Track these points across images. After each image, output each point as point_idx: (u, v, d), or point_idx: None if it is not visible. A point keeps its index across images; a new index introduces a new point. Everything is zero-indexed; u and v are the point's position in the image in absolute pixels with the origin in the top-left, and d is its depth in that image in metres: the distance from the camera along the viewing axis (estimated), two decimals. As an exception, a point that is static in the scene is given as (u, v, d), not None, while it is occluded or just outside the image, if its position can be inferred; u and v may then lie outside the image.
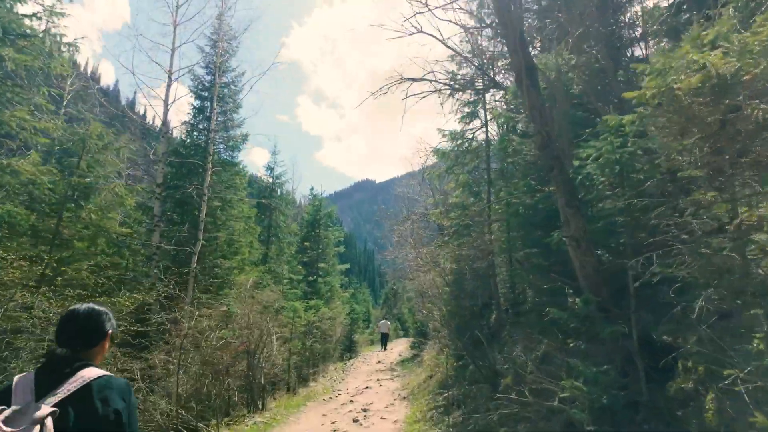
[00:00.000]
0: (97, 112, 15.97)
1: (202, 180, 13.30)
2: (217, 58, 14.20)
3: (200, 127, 15.70)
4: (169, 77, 13.54)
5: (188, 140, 15.29)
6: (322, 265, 18.98)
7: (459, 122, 10.63)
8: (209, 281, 14.01)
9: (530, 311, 8.30)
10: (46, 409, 1.26)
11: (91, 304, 1.63)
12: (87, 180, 7.19)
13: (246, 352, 9.00)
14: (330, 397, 10.92)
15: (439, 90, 7.94)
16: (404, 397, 9.99)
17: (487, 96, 9.78)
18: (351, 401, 10.03)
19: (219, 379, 8.33)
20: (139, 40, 23.31)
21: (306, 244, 19.20)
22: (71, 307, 1.61)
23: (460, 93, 9.27)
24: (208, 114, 14.44)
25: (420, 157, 22.66)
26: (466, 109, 10.35)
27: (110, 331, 1.63)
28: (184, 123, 15.09)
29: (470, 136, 10.15)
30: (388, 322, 25.50)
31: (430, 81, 7.38)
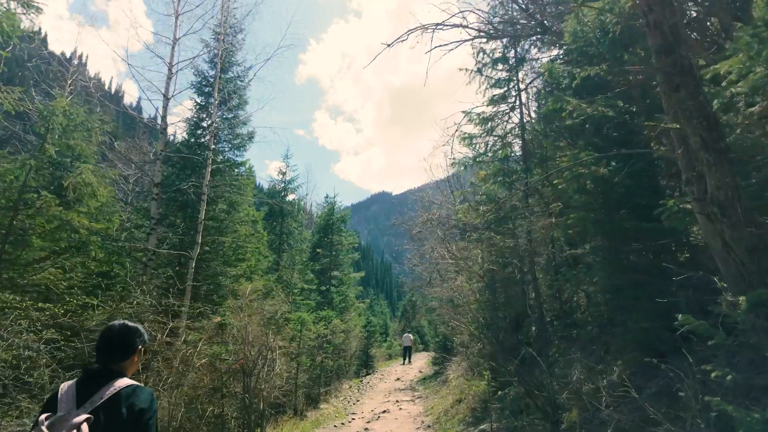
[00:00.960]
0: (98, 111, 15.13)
1: (203, 179, 12.21)
2: (220, 43, 13.18)
3: (203, 125, 14.71)
4: (170, 70, 12.57)
5: (191, 139, 14.29)
6: (335, 273, 17.63)
7: (488, 105, 9.24)
8: (210, 290, 12.84)
9: (586, 323, 6.72)
10: (82, 416, 1.51)
11: (124, 321, 1.87)
12: (51, 165, 6.03)
13: (242, 371, 7.65)
14: (342, 423, 9.44)
15: (472, 39, 6.58)
16: (429, 426, 8.44)
17: (523, 70, 8.35)
18: (366, 429, 8.53)
19: (207, 402, 7.00)
20: (139, 32, 22.68)
21: (318, 251, 17.89)
22: (108, 324, 1.86)
23: (492, 67, 7.87)
24: (211, 110, 13.41)
25: (443, 144, 21.25)
26: (496, 90, 8.95)
27: (140, 347, 1.87)
28: (186, 120, 14.09)
29: (502, 118, 8.72)
30: (411, 335, 25.13)
31: (461, 27, 6.03)
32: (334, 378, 14.42)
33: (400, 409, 10.57)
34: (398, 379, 18.60)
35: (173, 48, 12.54)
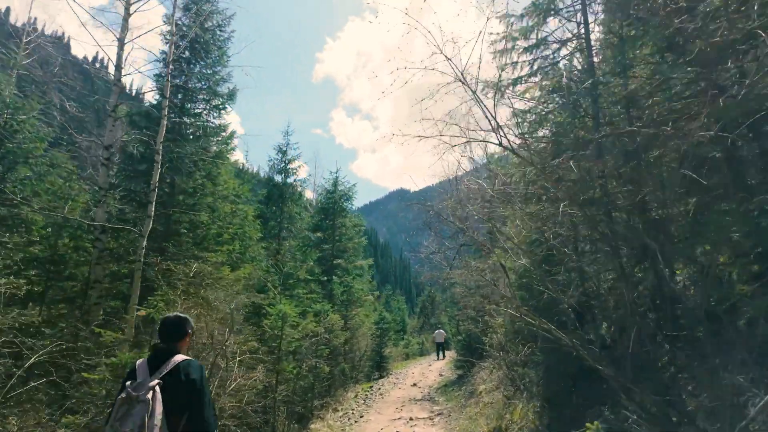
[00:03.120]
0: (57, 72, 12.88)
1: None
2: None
3: (176, 82, 12.34)
4: (127, 7, 10.14)
5: (158, 98, 11.93)
6: (338, 261, 15.04)
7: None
8: (181, 278, 10.42)
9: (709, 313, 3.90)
10: (154, 381, 2.19)
11: (177, 314, 2.57)
12: None
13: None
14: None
15: None
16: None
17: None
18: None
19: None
20: None
21: (318, 234, 15.30)
22: (164, 315, 2.61)
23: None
24: (174, 57, 10.95)
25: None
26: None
27: (189, 331, 2.55)
28: (154, 77, 11.73)
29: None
30: (443, 331, 25.09)
31: None
32: (335, 385, 11.84)
33: (415, 431, 7.89)
34: (415, 384, 15.90)
35: (128, -20, 10.14)
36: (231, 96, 12.57)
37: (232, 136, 12.34)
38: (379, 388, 15.31)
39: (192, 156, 11.55)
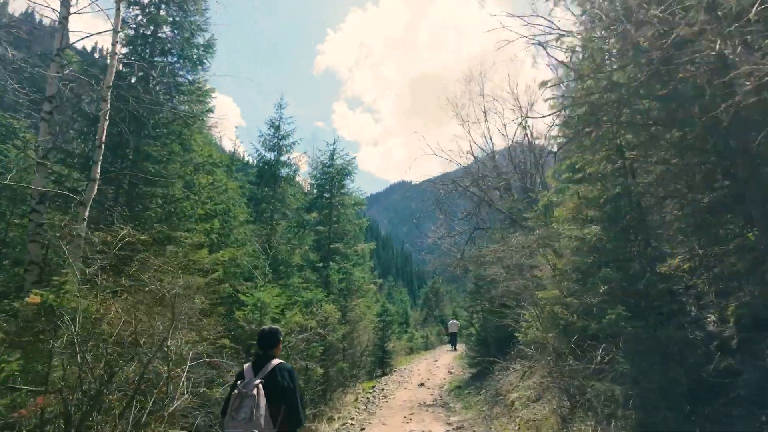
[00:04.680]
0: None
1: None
2: None
3: (142, 31, 10.47)
4: (72, -72, 8.17)
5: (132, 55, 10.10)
6: (337, 245, 13.18)
7: None
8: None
9: None
10: (258, 380, 2.80)
11: (271, 326, 3.26)
12: None
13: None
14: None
15: None
16: None
17: None
18: None
19: None
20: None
21: (313, 215, 13.40)
22: (261, 328, 3.25)
23: None
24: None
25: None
26: None
27: (281, 338, 3.22)
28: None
29: None
30: (456, 322, 24.88)
31: None
32: (331, 388, 10.04)
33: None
34: (423, 384, 14.13)
35: None
36: (208, 48, 10.64)
37: (207, 93, 10.40)
38: (383, 389, 13.55)
39: (159, 115, 9.70)
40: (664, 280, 3.80)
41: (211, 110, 11.22)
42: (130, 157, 9.34)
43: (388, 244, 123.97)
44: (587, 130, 3.91)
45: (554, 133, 6.82)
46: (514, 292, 6.31)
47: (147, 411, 3.92)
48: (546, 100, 5.53)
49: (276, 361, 2.96)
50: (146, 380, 4.12)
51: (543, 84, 4.69)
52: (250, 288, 8.63)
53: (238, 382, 2.86)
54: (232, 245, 12.00)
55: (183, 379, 4.34)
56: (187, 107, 10.26)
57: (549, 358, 4.99)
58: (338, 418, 8.99)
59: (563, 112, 4.67)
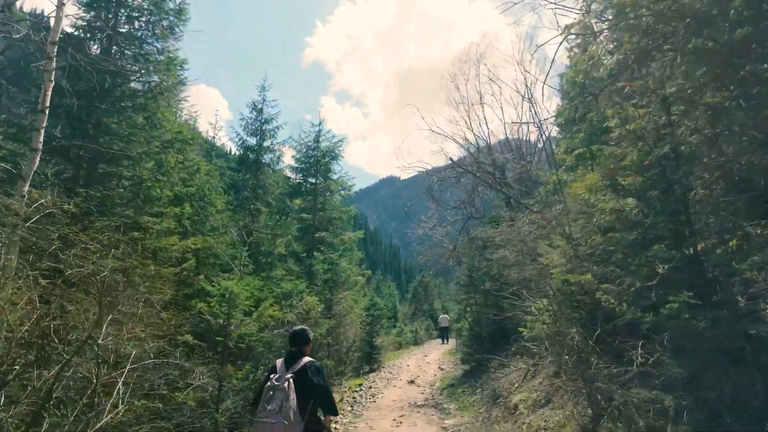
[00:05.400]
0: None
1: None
2: None
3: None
4: None
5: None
6: (322, 234, 12.27)
7: None
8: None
9: None
10: (289, 375, 2.97)
11: (302, 326, 3.49)
12: None
13: None
14: None
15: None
16: None
17: None
18: None
19: None
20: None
21: (297, 202, 12.44)
22: (293, 328, 3.47)
23: None
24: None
25: None
26: None
27: (311, 337, 3.41)
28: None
29: None
30: (448, 317, 25.44)
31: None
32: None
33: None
34: (413, 381, 13.37)
35: None
36: (179, 13, 9.60)
37: (180, 63, 9.35)
38: (370, 387, 12.74)
39: (124, 86, 8.71)
40: (726, 264, 3.04)
41: (183, 83, 10.20)
42: (91, 132, 8.34)
43: (376, 239, 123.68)
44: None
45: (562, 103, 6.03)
46: (525, 279, 5.52)
47: (65, 429, 3.03)
48: (570, 49, 4.68)
49: (306, 359, 3.16)
50: (67, 388, 3.22)
51: (567, 29, 3.85)
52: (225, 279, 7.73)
53: (271, 375, 3.06)
54: (208, 234, 11.05)
55: (119, 385, 3.43)
56: (157, 78, 9.24)
57: (566, 356, 4.21)
58: (321, 421, 8.14)
59: (588, 63, 3.84)
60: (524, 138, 12.79)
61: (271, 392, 2.90)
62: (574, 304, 4.72)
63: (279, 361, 3.18)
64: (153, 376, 4.86)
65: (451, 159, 11.85)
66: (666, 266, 3.11)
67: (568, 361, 4.19)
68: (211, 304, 5.52)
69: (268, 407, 2.83)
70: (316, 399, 3.02)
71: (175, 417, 5.42)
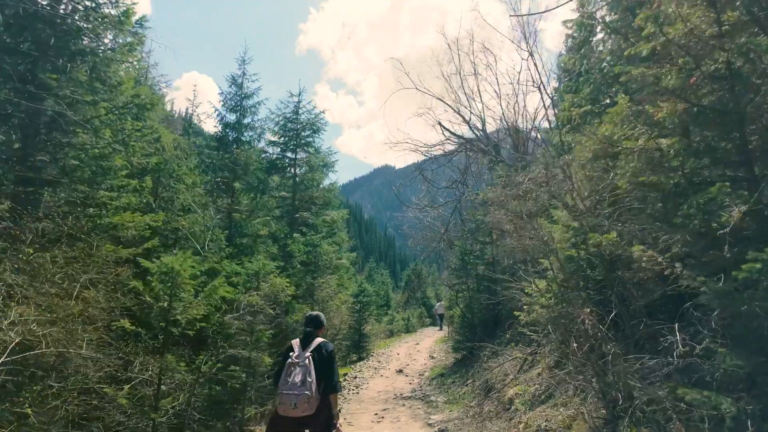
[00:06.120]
0: None
1: None
2: None
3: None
4: None
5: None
6: (304, 214, 11.34)
7: None
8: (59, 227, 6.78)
9: None
10: (307, 353, 3.24)
11: (317, 312, 3.70)
12: None
13: None
14: None
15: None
16: None
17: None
18: None
19: None
20: None
21: (274, 178, 11.46)
22: (309, 312, 3.69)
23: None
24: None
25: None
26: None
27: (324, 322, 3.67)
28: None
29: None
30: (444, 304, 24.96)
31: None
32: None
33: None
34: (401, 371, 12.63)
35: None
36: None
37: (141, 20, 8.26)
38: (356, 377, 11.98)
39: (72, 41, 7.64)
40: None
41: (141, 42, 9.13)
42: (31, 89, 7.31)
43: (371, 228, 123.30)
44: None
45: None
46: (524, 250, 4.65)
47: None
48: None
49: (320, 339, 3.41)
50: None
51: None
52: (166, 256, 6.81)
53: (290, 353, 3.30)
54: (178, 213, 10.11)
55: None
56: (111, 36, 8.17)
57: (574, 344, 3.37)
58: None
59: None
60: (520, 112, 11.86)
61: (293, 368, 3.19)
62: (580, 283, 3.89)
63: (295, 342, 3.41)
64: (68, 368, 3.99)
65: (439, 122, 10.87)
66: (740, 207, 2.23)
67: (576, 349, 3.37)
68: (153, 283, 4.63)
69: (291, 381, 3.12)
70: (325, 375, 3.25)
71: (108, 418, 4.56)
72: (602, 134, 3.24)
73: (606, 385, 3.40)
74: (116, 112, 8.13)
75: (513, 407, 5.08)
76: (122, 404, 4.16)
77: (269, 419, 3.35)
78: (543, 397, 4.62)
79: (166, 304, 4.64)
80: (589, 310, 3.23)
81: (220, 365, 5.71)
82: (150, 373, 4.62)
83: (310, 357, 3.20)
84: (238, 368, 6.32)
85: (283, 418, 3.12)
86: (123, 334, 4.88)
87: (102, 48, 8.19)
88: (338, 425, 3.29)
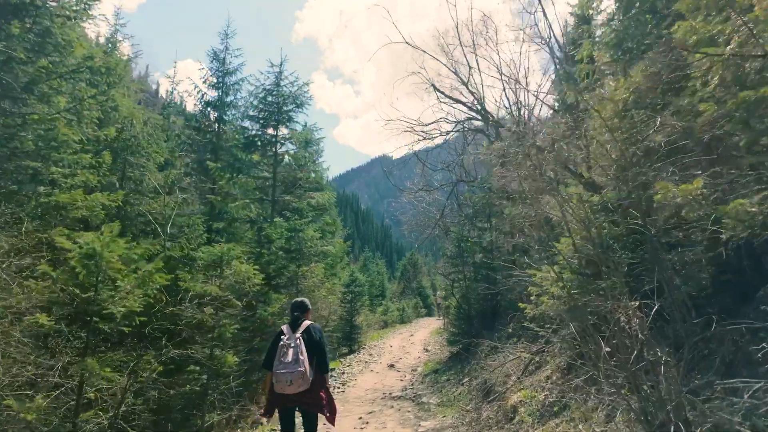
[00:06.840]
0: None
1: None
2: None
3: None
4: None
5: None
6: (287, 198, 10.36)
7: None
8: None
9: None
10: (298, 334, 3.48)
11: (302, 298, 3.93)
12: None
13: None
14: None
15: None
16: None
17: None
18: None
19: None
20: None
21: (254, 157, 10.43)
22: (294, 300, 3.94)
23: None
24: None
25: None
26: None
27: (309, 307, 3.92)
28: None
29: None
30: (441, 293, 24.99)
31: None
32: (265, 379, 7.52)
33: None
34: (392, 365, 11.82)
35: None
36: None
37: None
38: (344, 372, 11.16)
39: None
40: None
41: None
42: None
43: (368, 218, 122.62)
44: None
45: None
46: (534, 220, 3.75)
47: None
48: None
49: (308, 322, 3.66)
50: None
51: None
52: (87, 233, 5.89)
53: (281, 336, 3.51)
54: (148, 195, 9.21)
55: None
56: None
57: (606, 348, 2.50)
58: (267, 420, 6.49)
59: None
60: (523, 82, 10.85)
61: (285, 349, 3.40)
62: (611, 267, 3.02)
63: (284, 326, 3.63)
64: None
65: (433, 85, 9.88)
66: None
67: (607, 354, 2.51)
68: (76, 268, 3.73)
69: (286, 360, 3.33)
70: (317, 353, 3.52)
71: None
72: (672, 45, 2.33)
73: (645, 400, 2.55)
74: (66, 76, 7.12)
75: (518, 417, 4.23)
76: (26, 418, 3.28)
77: (267, 399, 3.53)
78: (556, 408, 3.77)
79: (91, 295, 3.73)
80: (636, 303, 2.37)
81: (172, 366, 4.83)
82: (72, 379, 3.73)
83: (301, 338, 3.45)
84: (198, 369, 5.45)
85: (281, 396, 3.36)
86: (43, 332, 3.98)
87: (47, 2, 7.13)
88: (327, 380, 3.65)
